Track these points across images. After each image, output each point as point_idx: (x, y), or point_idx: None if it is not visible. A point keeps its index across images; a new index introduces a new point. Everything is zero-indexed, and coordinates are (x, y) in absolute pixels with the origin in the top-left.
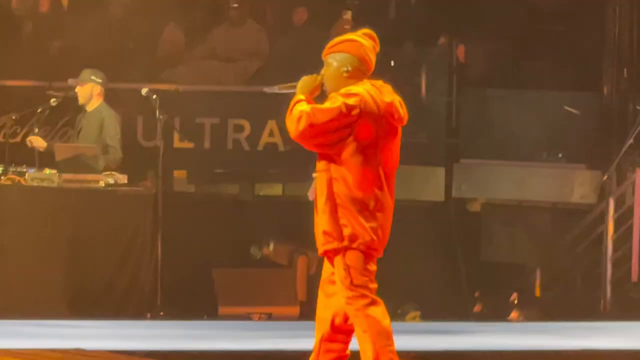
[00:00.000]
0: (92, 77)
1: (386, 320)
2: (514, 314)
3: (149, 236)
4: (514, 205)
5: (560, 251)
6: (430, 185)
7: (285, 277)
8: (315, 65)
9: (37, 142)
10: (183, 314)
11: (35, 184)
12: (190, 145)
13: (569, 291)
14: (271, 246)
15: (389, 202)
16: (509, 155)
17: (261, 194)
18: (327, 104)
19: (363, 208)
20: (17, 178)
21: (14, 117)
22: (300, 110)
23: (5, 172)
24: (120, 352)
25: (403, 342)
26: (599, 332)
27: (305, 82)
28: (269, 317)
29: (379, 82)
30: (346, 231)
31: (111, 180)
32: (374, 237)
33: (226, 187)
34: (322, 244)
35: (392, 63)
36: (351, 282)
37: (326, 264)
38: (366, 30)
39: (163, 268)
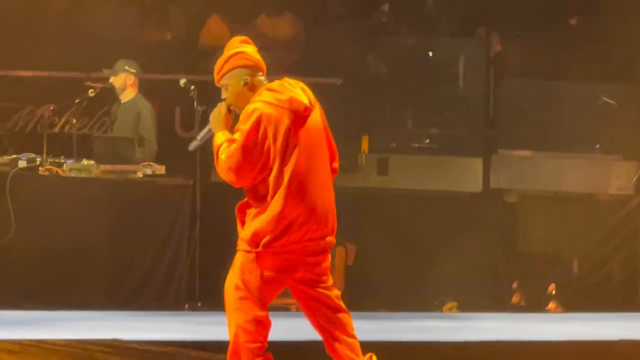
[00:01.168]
0: (126, 67)
1: (259, 313)
2: (551, 305)
3: (187, 227)
4: (551, 196)
5: (598, 242)
6: (467, 176)
7: None
8: (350, 57)
9: None
10: (221, 305)
11: (73, 174)
12: None
13: (606, 282)
14: None
15: (307, 199)
16: (546, 146)
17: None
18: (236, 138)
19: (276, 210)
20: (55, 169)
21: (52, 108)
22: (222, 165)
23: (43, 163)
24: (159, 343)
25: (440, 333)
26: (637, 322)
27: (214, 118)
28: None
29: (276, 83)
30: (261, 237)
31: (149, 171)
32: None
33: None
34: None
35: (430, 54)
36: (236, 285)
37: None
38: (238, 38)
39: (201, 259)
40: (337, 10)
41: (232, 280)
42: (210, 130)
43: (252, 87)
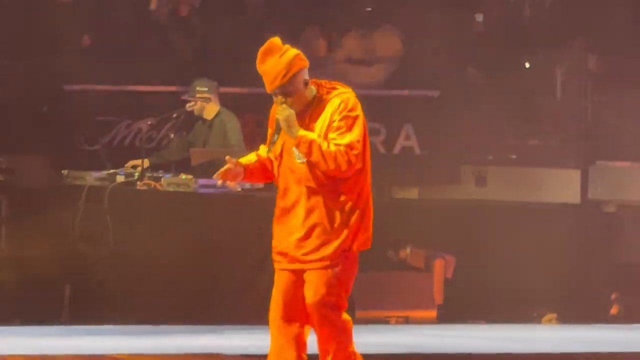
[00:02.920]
0: (197, 89)
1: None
2: None
3: None
4: None
5: None
6: (566, 187)
7: (422, 280)
8: (449, 69)
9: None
10: None
11: (171, 189)
12: None
13: None
14: (408, 250)
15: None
16: None
17: (397, 197)
18: (344, 127)
19: (363, 214)
20: (153, 183)
21: (149, 123)
22: (339, 151)
23: (141, 178)
24: (260, 357)
25: (541, 344)
26: None
27: (286, 119)
28: (406, 320)
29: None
30: (353, 241)
31: (247, 185)
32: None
33: None
34: (318, 261)
35: (527, 65)
36: (337, 300)
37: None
38: (274, 38)
39: None
40: (434, 22)
41: (330, 294)
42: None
43: (307, 87)
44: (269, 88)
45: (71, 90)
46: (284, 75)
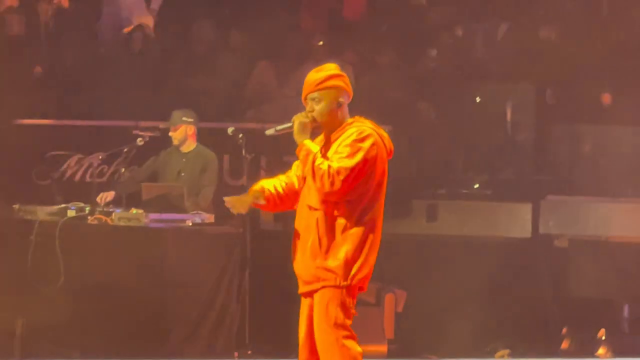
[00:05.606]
0: (184, 118)
1: (357, 349)
2: (602, 350)
3: (236, 275)
4: (601, 241)
5: None
6: (517, 221)
7: (373, 315)
8: (401, 103)
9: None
10: (271, 353)
11: (122, 223)
12: None
13: None
14: None
15: (380, 236)
16: (595, 192)
17: None
18: (346, 152)
19: (366, 244)
20: (104, 218)
21: (100, 157)
22: (327, 171)
23: (92, 212)
24: None
25: None
26: None
27: (301, 124)
28: None
29: (366, 119)
30: (351, 269)
31: (198, 220)
32: (369, 273)
33: None
34: (321, 280)
35: (478, 99)
36: (336, 321)
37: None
38: (334, 65)
39: (251, 306)
40: (386, 56)
41: (329, 318)
42: (290, 127)
43: (342, 109)
44: (303, 94)
45: (22, 124)
46: (318, 84)
